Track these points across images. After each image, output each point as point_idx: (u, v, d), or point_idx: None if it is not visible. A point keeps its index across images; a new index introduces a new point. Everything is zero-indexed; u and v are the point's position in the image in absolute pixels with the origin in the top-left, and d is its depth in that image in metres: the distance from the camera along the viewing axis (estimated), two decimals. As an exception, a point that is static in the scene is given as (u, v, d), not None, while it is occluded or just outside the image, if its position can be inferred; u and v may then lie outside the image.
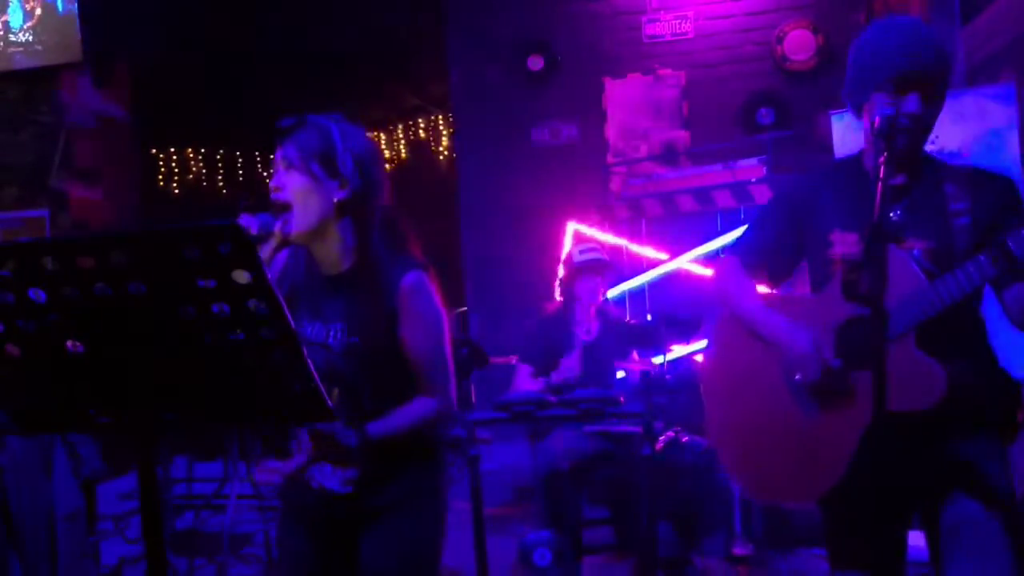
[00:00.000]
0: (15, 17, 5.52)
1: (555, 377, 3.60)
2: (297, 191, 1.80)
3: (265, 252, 1.80)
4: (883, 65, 1.79)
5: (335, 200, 1.82)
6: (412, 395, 1.90)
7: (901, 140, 1.75)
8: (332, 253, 1.88)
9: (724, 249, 2.33)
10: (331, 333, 1.87)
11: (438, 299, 1.90)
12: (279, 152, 1.83)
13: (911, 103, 1.76)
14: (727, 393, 2.01)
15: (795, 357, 1.82)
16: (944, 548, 1.74)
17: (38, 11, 5.46)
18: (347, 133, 1.85)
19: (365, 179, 1.84)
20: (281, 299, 1.12)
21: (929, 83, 1.77)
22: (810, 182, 1.98)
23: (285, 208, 1.81)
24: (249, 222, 1.78)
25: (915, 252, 1.76)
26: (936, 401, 1.66)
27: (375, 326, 1.85)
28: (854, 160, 1.95)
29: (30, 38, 5.46)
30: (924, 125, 1.79)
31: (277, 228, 1.79)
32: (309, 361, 1.18)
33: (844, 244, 1.77)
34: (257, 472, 1.78)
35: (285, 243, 1.84)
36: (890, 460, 1.72)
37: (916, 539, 1.87)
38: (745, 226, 2.12)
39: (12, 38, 5.46)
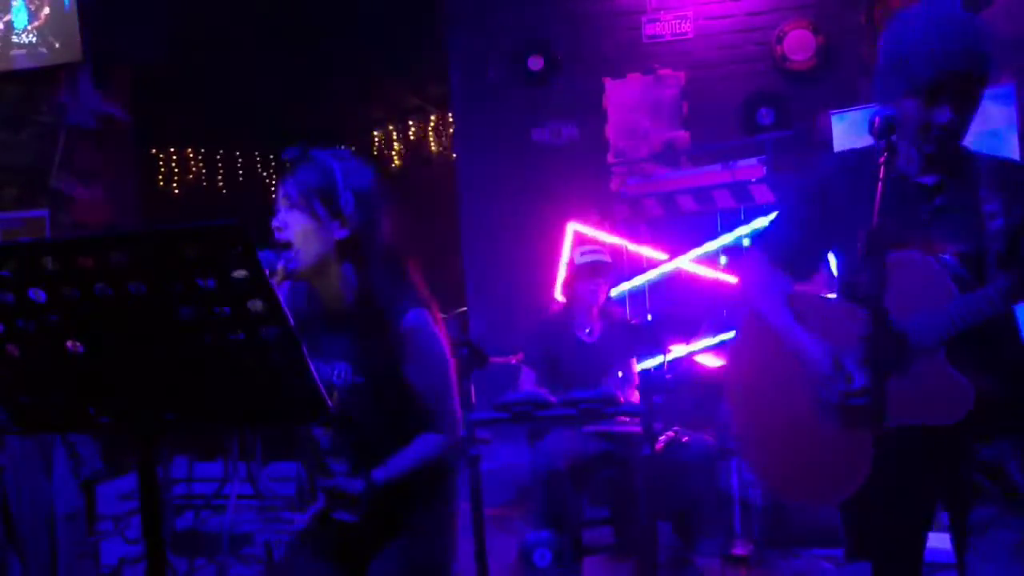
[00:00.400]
0: (19, 17, 5.49)
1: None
2: (299, 231, 1.81)
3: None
4: (918, 71, 1.66)
5: (336, 239, 1.84)
6: (418, 431, 1.90)
7: (929, 148, 1.70)
8: (334, 289, 1.89)
9: (751, 242, 2.29)
10: (335, 371, 1.88)
11: (441, 335, 1.90)
12: (281, 189, 1.84)
13: (943, 114, 1.67)
14: (751, 392, 1.98)
15: (817, 375, 1.78)
16: (968, 549, 1.72)
17: (45, 10, 5.41)
18: (349, 171, 1.86)
19: (367, 217, 1.85)
20: (281, 299, 1.12)
21: (966, 88, 1.67)
22: (838, 173, 1.89)
23: (287, 247, 1.81)
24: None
25: (947, 257, 1.71)
26: (962, 417, 1.63)
27: (379, 366, 1.86)
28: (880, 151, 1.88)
29: (34, 39, 5.44)
30: (956, 131, 1.71)
31: (280, 266, 1.80)
32: (309, 361, 1.18)
33: None
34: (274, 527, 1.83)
35: (287, 278, 1.85)
36: (913, 464, 1.71)
37: (938, 541, 1.87)
38: (771, 216, 2.06)
39: (15, 39, 5.44)
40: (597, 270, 3.85)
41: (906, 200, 1.75)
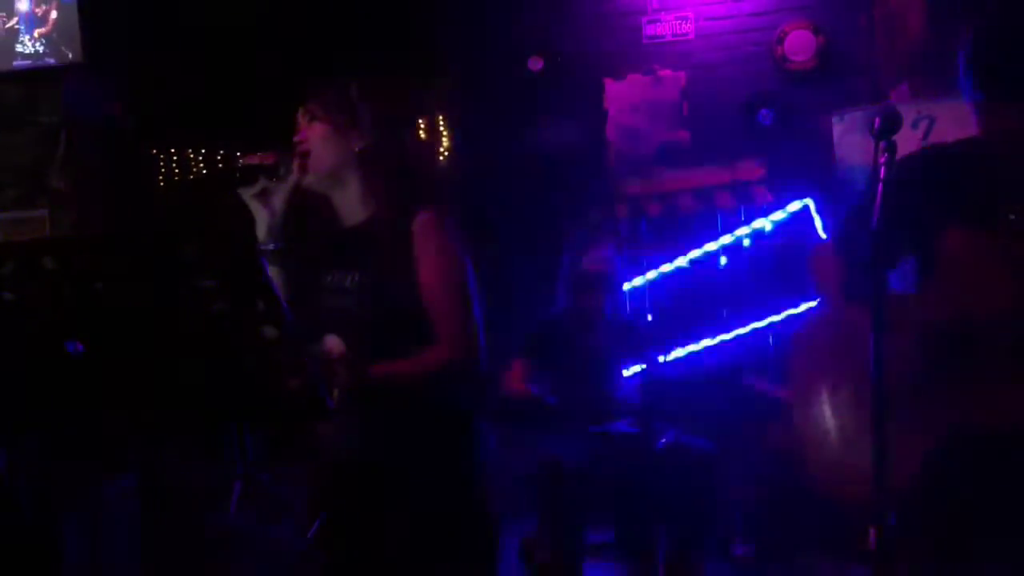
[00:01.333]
0: (26, 23, 5.45)
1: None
2: (318, 140, 1.87)
3: (283, 191, 1.86)
4: None
5: (354, 149, 1.88)
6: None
7: None
8: (350, 202, 1.92)
9: (825, 239, 2.23)
10: (349, 279, 1.87)
11: (456, 239, 1.88)
12: (301, 111, 1.92)
13: None
14: (815, 388, 1.94)
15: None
16: None
17: (53, 15, 5.36)
18: (368, 88, 1.92)
19: (384, 132, 1.90)
20: (281, 299, 1.12)
21: None
22: (914, 169, 1.80)
23: (305, 156, 1.88)
24: (264, 156, 1.85)
25: None
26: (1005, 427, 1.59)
27: (392, 271, 1.83)
28: (967, 144, 1.81)
29: (40, 48, 5.40)
30: None
31: (295, 168, 1.85)
32: (309, 361, 1.18)
33: (957, 239, 1.68)
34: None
35: (300, 188, 1.88)
36: (970, 470, 1.68)
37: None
38: (846, 214, 2.02)
39: (19, 48, 5.40)
40: (601, 279, 3.84)
41: (992, 194, 1.69)
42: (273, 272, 1.83)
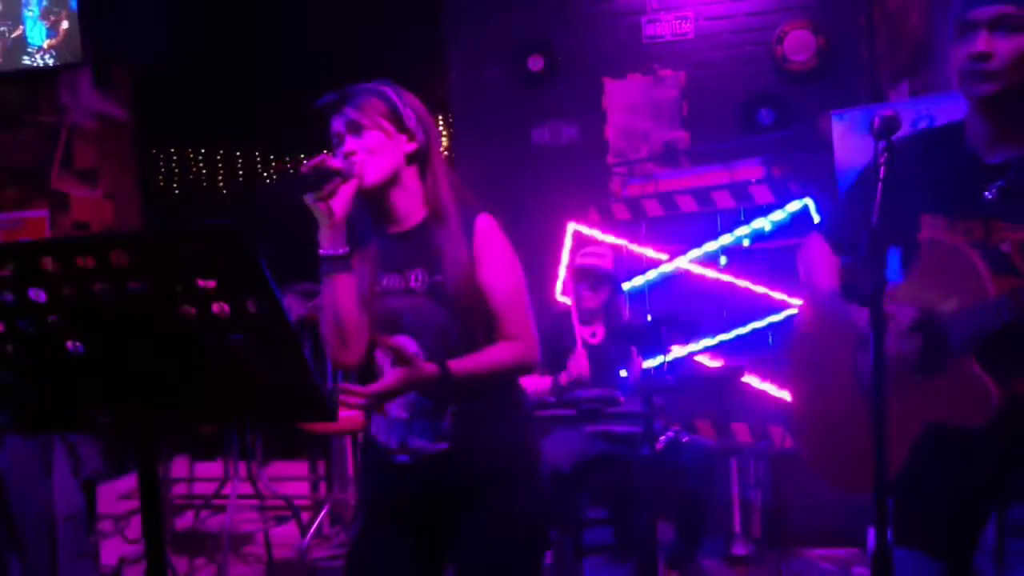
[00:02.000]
0: (35, 33, 5.40)
1: (563, 378, 3.57)
2: (371, 147, 1.85)
3: (346, 195, 1.82)
4: (955, 12, 1.64)
5: (405, 152, 1.89)
6: (493, 342, 1.88)
7: (974, 89, 1.60)
8: (408, 204, 1.91)
9: (813, 228, 2.23)
10: (412, 277, 1.87)
11: (508, 241, 1.92)
12: (338, 122, 1.87)
13: (976, 42, 1.60)
14: (809, 375, 1.96)
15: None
16: (1008, 550, 1.68)
17: (64, 24, 5.33)
18: (400, 92, 1.93)
19: (427, 132, 1.92)
20: (281, 298, 1.12)
21: (1007, 15, 1.58)
22: (905, 153, 1.77)
23: (362, 164, 1.85)
24: (326, 159, 1.81)
25: (1005, 247, 1.62)
26: (986, 422, 1.58)
27: (457, 265, 1.84)
28: (955, 129, 1.79)
29: (51, 61, 5.38)
30: (1007, 67, 1.60)
31: (356, 171, 1.83)
32: (309, 361, 1.18)
33: (934, 228, 1.67)
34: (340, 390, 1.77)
35: (360, 193, 1.86)
36: (953, 458, 1.67)
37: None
38: (834, 203, 2.02)
39: (27, 60, 5.37)
40: (594, 275, 3.84)
41: (969, 179, 1.67)
42: (341, 278, 1.83)
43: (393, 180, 1.89)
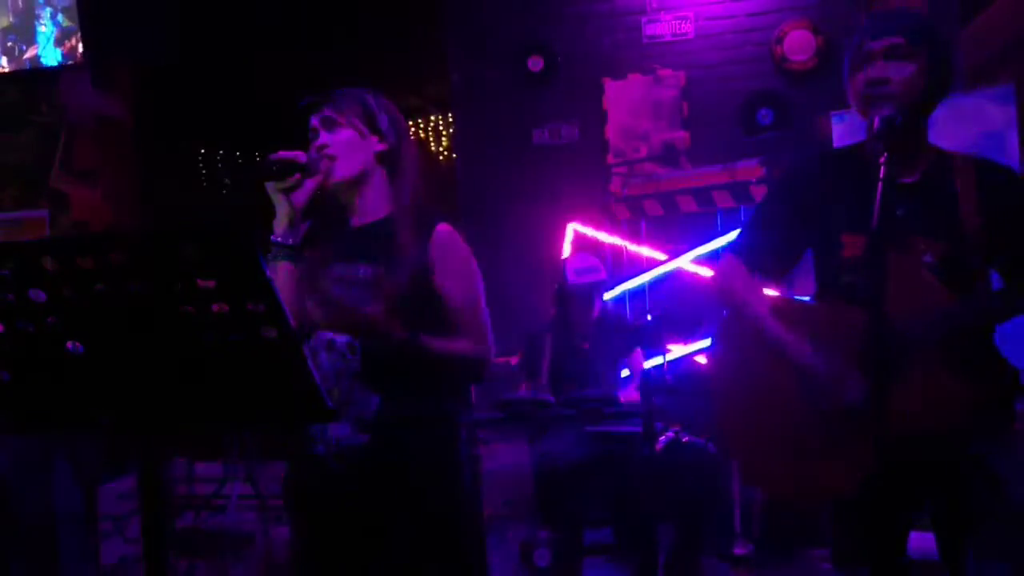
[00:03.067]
0: (49, 55, 5.36)
1: (524, 389, 3.57)
2: (343, 143, 1.93)
3: (308, 189, 1.91)
4: (854, 46, 1.79)
5: (375, 151, 1.96)
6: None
7: (876, 111, 1.70)
8: (371, 201, 1.98)
9: (724, 248, 2.25)
10: (360, 269, 1.92)
11: (469, 250, 1.99)
12: (316, 119, 1.96)
13: (874, 69, 1.74)
14: (739, 394, 1.94)
15: (815, 385, 1.76)
16: (961, 546, 1.71)
17: (80, 49, 5.32)
18: (378, 96, 2.01)
19: (399, 136, 1.99)
20: (281, 298, 1.12)
21: (899, 45, 1.73)
22: (810, 173, 1.90)
23: (333, 160, 1.93)
24: (295, 154, 1.89)
25: (927, 258, 1.71)
26: (954, 425, 1.63)
27: (402, 263, 1.89)
28: (854, 150, 1.87)
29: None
30: (902, 91, 1.74)
31: (323, 168, 1.91)
32: (309, 361, 1.18)
33: (855, 248, 1.73)
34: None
35: (324, 188, 1.93)
36: (911, 468, 1.69)
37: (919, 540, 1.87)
38: (745, 223, 2.06)
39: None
40: (590, 289, 3.83)
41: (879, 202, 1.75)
42: (284, 266, 1.90)
43: (361, 178, 1.96)
